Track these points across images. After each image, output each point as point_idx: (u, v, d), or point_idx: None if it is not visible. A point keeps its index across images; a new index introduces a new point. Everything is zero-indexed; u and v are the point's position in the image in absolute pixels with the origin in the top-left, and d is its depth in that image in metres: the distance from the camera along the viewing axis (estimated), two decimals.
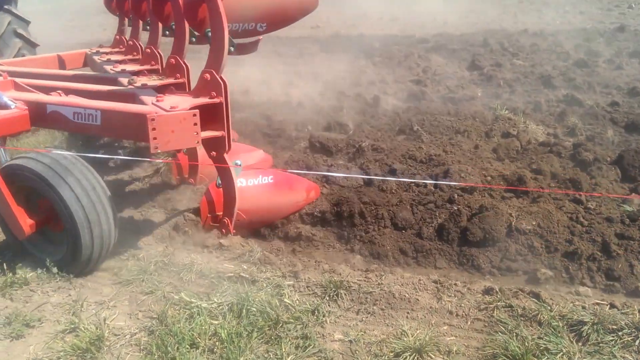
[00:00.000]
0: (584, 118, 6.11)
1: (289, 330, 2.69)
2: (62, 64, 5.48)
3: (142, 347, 2.62)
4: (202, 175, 4.12)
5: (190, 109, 3.03)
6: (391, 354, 2.56)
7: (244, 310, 2.81)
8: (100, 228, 3.11)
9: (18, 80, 3.79)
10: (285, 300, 2.91)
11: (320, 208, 3.95)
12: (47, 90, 3.65)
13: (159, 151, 3.07)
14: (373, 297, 2.94)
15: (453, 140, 5.24)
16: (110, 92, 3.75)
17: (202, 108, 3.10)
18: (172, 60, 3.88)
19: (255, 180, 3.76)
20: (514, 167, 4.61)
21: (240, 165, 3.56)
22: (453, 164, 4.44)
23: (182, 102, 3.12)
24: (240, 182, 3.60)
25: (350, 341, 2.66)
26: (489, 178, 4.31)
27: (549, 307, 2.87)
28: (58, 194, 2.98)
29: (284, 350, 2.55)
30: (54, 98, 3.42)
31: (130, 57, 4.95)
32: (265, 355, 2.54)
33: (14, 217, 3.11)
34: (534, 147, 5.11)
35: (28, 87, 3.72)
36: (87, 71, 5.39)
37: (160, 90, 3.64)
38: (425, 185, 4.14)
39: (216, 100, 3.21)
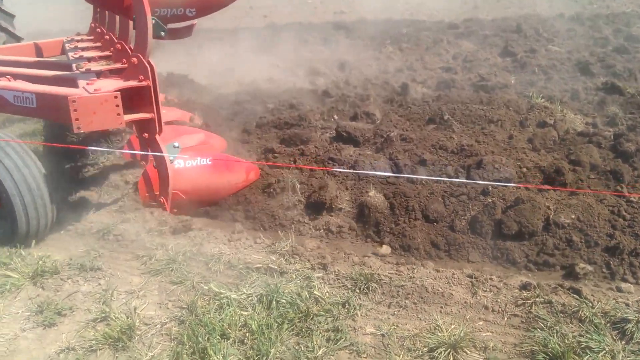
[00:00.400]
0: (624, 107, 5.85)
1: (320, 323, 2.65)
2: (39, 51, 5.58)
3: (172, 337, 2.62)
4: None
5: (114, 91, 3.13)
6: (425, 349, 2.49)
7: (274, 302, 2.77)
8: (35, 204, 3.31)
9: None
10: (315, 292, 2.86)
11: (349, 200, 3.88)
12: (1, 75, 3.77)
13: (82, 131, 3.15)
14: (405, 291, 2.87)
15: (486, 130, 5.07)
16: (55, 77, 3.85)
17: (131, 91, 3.21)
18: (118, 45, 3.91)
19: (193, 162, 3.83)
20: (550, 158, 4.43)
21: (178, 147, 3.78)
22: (486, 154, 4.29)
23: (107, 85, 3.22)
24: (179, 163, 3.74)
25: (383, 335, 2.60)
26: (524, 169, 4.15)
27: (590, 304, 2.76)
28: None
29: (315, 342, 2.51)
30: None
31: (97, 44, 5.03)
32: (296, 347, 2.50)
33: None
34: (572, 137, 4.91)
35: None
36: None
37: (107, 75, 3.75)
38: (458, 176, 4.02)
39: (143, 83, 3.29)
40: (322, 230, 3.80)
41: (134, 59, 3.32)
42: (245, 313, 2.73)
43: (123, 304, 2.88)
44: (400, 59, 8.94)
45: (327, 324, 2.64)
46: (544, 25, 11.75)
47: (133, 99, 3.18)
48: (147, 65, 3.27)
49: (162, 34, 3.48)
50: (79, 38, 5.68)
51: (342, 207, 3.95)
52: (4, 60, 4.65)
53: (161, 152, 3.57)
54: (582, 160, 4.26)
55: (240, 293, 2.89)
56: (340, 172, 4.28)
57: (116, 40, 4.13)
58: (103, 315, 2.76)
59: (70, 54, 4.89)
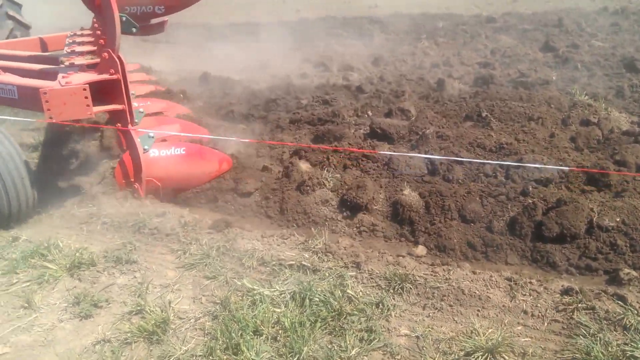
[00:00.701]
0: None
1: (353, 323, 2.61)
2: (44, 46, 5.77)
3: (206, 332, 2.63)
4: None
5: (83, 84, 3.41)
6: (461, 353, 2.43)
7: (307, 300, 2.75)
8: (16, 189, 3.66)
9: None
10: (349, 291, 2.83)
11: (383, 199, 3.83)
12: None
13: (54, 121, 3.45)
14: (440, 293, 2.80)
15: (526, 128, 4.90)
16: (41, 70, 4.16)
17: (103, 84, 3.54)
18: (101, 41, 4.01)
19: (167, 151, 3.99)
20: (594, 158, 4.25)
21: (152, 137, 3.97)
22: (526, 153, 4.15)
23: (79, 79, 3.50)
24: (154, 152, 3.92)
25: (417, 337, 2.55)
26: (566, 169, 4.00)
27: (636, 311, 2.63)
28: None
29: (348, 342, 2.48)
30: None
31: (92, 39, 5.13)
32: (329, 347, 2.48)
33: None
34: (617, 136, 4.70)
35: None
36: None
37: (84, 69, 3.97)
38: (496, 176, 3.90)
39: (114, 77, 3.59)
40: (355, 229, 3.76)
41: (105, 54, 3.60)
42: (278, 310, 2.72)
43: (158, 298, 2.91)
44: (437, 54, 8.77)
45: (361, 323, 2.60)
46: (586, 19, 11.33)
47: (102, 91, 3.46)
48: (117, 60, 3.54)
49: (134, 30, 3.75)
50: (80, 33, 5.73)
51: (376, 206, 3.90)
52: (1, 55, 4.97)
53: (133, 141, 3.79)
54: (627, 160, 4.07)
55: (273, 290, 2.89)
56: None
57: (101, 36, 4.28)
58: (138, 308, 2.80)
59: (66, 48, 4.97)
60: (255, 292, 2.86)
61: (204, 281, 3.07)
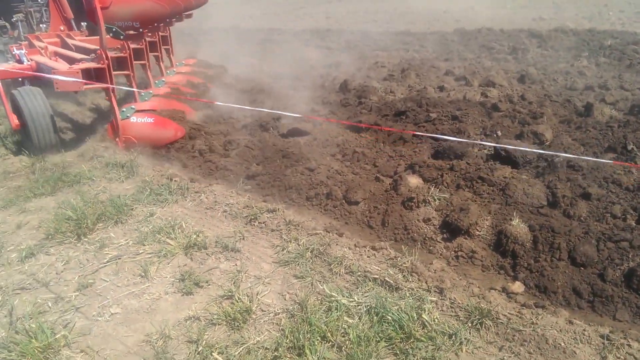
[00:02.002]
0: None
1: (419, 349, 2.56)
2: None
3: (280, 328, 2.81)
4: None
5: (77, 69, 5.29)
6: None
7: (380, 316, 2.77)
8: (42, 131, 5.65)
9: (51, 48, 6.83)
10: (424, 316, 2.78)
11: (489, 225, 3.63)
12: (52, 55, 6.63)
13: (58, 90, 5.19)
14: (522, 337, 2.59)
15: None
16: (74, 58, 6.13)
17: (94, 70, 5.48)
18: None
19: (142, 119, 5.84)
20: None
21: (133, 108, 5.92)
22: None
23: (79, 65, 5.46)
24: (133, 119, 5.80)
25: None
26: None
27: None
28: (20, 105, 5.60)
29: None
30: (40, 58, 6.34)
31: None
32: None
33: (10, 116, 6.00)
34: None
35: (42, 53, 6.69)
36: None
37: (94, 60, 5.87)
38: (625, 219, 3.43)
39: (102, 65, 5.42)
40: (452, 252, 3.64)
41: (99, 52, 5.51)
42: (350, 321, 2.79)
43: (248, 287, 3.18)
44: (594, 74, 7.86)
45: (427, 351, 2.54)
46: None
47: (95, 75, 5.48)
48: (104, 55, 5.40)
49: (121, 37, 5.64)
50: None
51: (479, 232, 3.72)
52: (68, 44, 7.23)
53: (115, 111, 5.68)
54: None
55: (351, 300, 2.96)
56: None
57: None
58: (230, 294, 3.09)
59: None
60: (333, 299, 2.96)
61: (292, 279, 3.26)
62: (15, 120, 5.93)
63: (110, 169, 5.10)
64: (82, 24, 8.38)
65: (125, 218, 4.09)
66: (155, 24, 6.62)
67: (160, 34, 7.80)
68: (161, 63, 7.91)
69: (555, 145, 4.96)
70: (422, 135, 5.70)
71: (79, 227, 3.85)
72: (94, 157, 5.45)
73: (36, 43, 7.28)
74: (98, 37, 5.92)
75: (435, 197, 4.08)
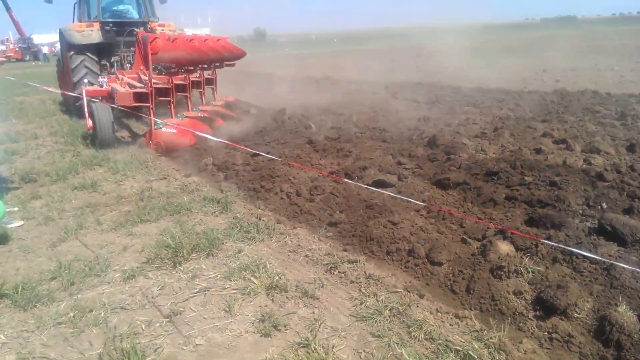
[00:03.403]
0: None
1: None
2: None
3: None
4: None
5: (130, 91, 8.21)
6: None
7: None
8: (104, 130, 8.52)
9: (125, 79, 9.68)
10: None
11: (590, 308, 3.31)
12: (124, 84, 9.43)
13: (117, 105, 8.23)
14: None
15: None
16: (136, 86, 8.90)
17: (144, 94, 8.32)
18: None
19: (168, 130, 8.25)
20: None
21: (165, 122, 8.29)
22: None
23: (132, 90, 8.35)
24: (163, 129, 8.22)
25: None
26: None
27: None
28: (93, 112, 8.48)
29: None
30: (114, 85, 9.17)
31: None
32: None
33: (87, 120, 8.82)
34: None
35: (118, 83, 9.67)
36: None
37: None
38: None
39: (147, 91, 8.16)
40: (546, 333, 3.34)
41: (146, 82, 8.27)
42: None
43: (325, 339, 3.13)
44: None
45: None
46: None
47: (148, 97, 8.25)
48: (150, 84, 8.11)
49: (164, 73, 8.87)
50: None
51: (578, 314, 3.41)
52: (141, 79, 9.46)
53: (152, 123, 8.33)
54: None
55: None
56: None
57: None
58: (306, 342, 3.06)
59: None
60: None
61: (368, 337, 3.17)
62: (89, 123, 8.71)
63: (206, 203, 5.40)
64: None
65: (216, 251, 4.27)
66: (189, 67, 9.16)
67: (206, 76, 10.67)
68: (202, 97, 10.64)
69: None
70: (515, 199, 5.44)
71: (175, 255, 4.09)
72: (194, 191, 5.81)
73: (120, 76, 10.15)
74: (164, 75, 8.98)
75: (529, 269, 3.83)
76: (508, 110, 11.56)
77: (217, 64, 10.12)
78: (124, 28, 12.11)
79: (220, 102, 10.80)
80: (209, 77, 10.82)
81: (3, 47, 57.59)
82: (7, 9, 25.13)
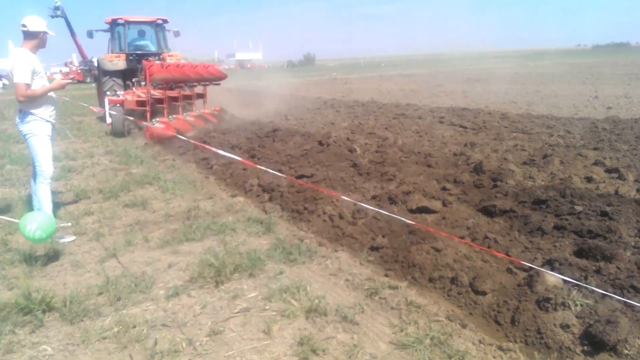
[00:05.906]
0: None
1: None
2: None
3: None
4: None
5: (134, 99, 13.29)
6: None
7: None
8: (117, 125, 13.50)
9: (137, 92, 14.21)
10: None
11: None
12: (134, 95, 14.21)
13: (126, 107, 13.28)
14: None
15: None
16: (141, 96, 13.63)
17: (142, 101, 13.26)
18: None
19: (158, 125, 11.87)
20: None
21: (157, 120, 12.26)
22: None
23: (139, 96, 13.53)
24: (155, 125, 11.99)
25: None
26: None
27: None
28: (112, 115, 13.59)
29: None
30: (127, 96, 13.80)
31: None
32: None
33: (107, 118, 13.97)
34: None
35: (132, 94, 14.22)
36: None
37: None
38: None
39: (144, 99, 12.90)
40: None
41: (145, 93, 13.08)
42: None
43: None
44: None
45: None
46: None
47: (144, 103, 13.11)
48: (148, 95, 12.69)
49: (173, 87, 13.60)
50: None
51: (629, 350, 3.25)
52: (150, 93, 13.15)
53: (148, 121, 12.32)
54: None
55: None
56: None
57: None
58: None
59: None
60: None
61: None
62: (108, 120, 13.24)
63: (250, 223, 5.53)
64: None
65: (258, 272, 4.35)
66: (178, 85, 13.41)
67: (196, 92, 14.72)
68: (193, 106, 14.32)
69: None
70: (564, 229, 5.27)
71: (218, 274, 4.19)
72: (239, 211, 5.97)
73: (136, 91, 14.08)
74: (161, 89, 13.21)
75: (577, 302, 3.69)
76: (558, 137, 11.24)
77: (207, 82, 14.48)
78: (143, 58, 16.13)
79: (207, 111, 14.72)
80: (200, 93, 15.01)
81: (67, 69, 61.20)
82: (72, 33, 27.28)
